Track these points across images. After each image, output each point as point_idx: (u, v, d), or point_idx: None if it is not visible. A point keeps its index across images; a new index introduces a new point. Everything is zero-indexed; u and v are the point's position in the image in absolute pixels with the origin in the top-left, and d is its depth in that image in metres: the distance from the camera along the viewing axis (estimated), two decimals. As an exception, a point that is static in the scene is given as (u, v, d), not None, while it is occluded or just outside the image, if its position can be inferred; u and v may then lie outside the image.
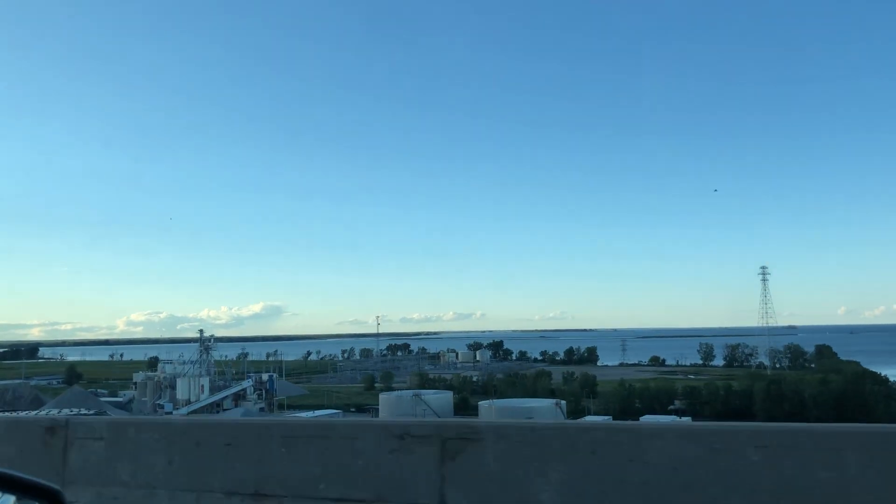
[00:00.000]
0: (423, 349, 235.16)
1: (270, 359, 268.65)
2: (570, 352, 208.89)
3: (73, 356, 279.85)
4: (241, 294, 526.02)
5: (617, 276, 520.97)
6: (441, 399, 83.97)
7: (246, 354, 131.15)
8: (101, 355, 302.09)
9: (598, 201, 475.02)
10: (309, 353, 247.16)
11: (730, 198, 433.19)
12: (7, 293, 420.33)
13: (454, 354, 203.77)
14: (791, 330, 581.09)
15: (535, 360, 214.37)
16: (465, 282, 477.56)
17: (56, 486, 2.24)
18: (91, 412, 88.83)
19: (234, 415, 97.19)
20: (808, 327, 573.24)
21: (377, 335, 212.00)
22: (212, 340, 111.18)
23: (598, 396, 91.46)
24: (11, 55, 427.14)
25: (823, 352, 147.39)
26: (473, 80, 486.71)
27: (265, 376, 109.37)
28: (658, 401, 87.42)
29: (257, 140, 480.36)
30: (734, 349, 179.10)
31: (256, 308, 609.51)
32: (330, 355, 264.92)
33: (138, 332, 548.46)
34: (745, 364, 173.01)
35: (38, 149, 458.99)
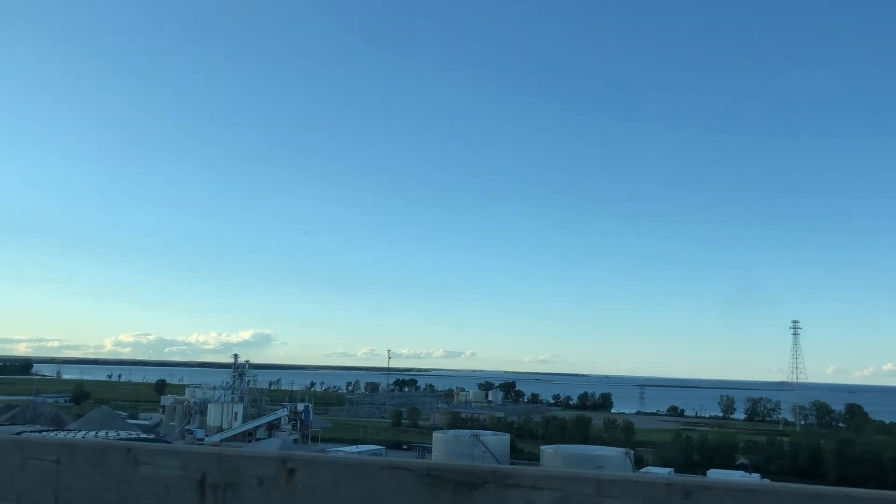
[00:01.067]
0: (432, 386, 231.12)
1: (273, 387, 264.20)
2: (584, 397, 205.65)
3: (69, 374, 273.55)
4: (232, 320, 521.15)
5: (607, 324, 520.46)
6: (500, 441, 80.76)
7: (277, 381, 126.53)
8: (96, 374, 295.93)
9: (591, 250, 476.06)
10: (313, 384, 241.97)
11: (722, 249, 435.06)
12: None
13: (467, 393, 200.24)
14: (785, 386, 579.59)
15: (548, 403, 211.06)
16: (456, 320, 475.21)
17: None
18: (120, 435, 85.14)
19: (270, 445, 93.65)
20: (800, 384, 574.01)
21: (387, 369, 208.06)
22: (246, 366, 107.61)
23: (656, 446, 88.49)
24: (7, 75, 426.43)
25: (855, 410, 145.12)
26: (469, 125, 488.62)
27: (300, 406, 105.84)
28: (718, 454, 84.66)
29: (253, 168, 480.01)
30: (756, 403, 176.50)
31: (246, 335, 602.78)
32: (334, 387, 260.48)
33: (126, 353, 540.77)
34: (766, 419, 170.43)
35: (31, 164, 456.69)
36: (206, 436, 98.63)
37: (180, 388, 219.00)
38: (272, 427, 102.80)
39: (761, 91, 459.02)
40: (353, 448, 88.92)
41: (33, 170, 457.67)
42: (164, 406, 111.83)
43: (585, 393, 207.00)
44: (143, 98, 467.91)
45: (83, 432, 79.44)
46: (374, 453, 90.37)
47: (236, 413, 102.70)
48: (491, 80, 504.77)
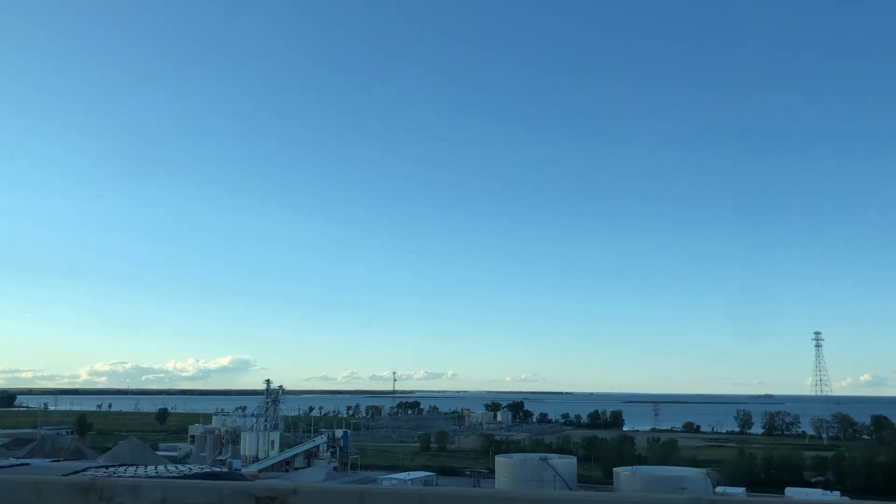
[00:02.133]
0: (436, 408, 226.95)
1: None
2: (594, 415, 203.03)
3: (52, 406, 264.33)
4: (209, 346, 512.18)
5: (585, 342, 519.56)
6: (567, 464, 77.60)
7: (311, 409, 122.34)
8: (82, 405, 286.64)
9: (568, 268, 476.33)
10: (312, 409, 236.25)
11: (708, 262, 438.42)
12: None
13: (477, 415, 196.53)
14: (769, 399, 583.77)
15: (559, 422, 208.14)
16: (436, 341, 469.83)
17: None
18: (151, 468, 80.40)
19: (310, 475, 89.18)
20: (784, 396, 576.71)
21: (393, 392, 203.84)
22: (280, 392, 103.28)
23: (720, 465, 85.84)
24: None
25: (882, 422, 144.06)
26: (452, 139, 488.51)
27: (339, 432, 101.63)
28: (785, 472, 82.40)
29: (229, 191, 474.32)
30: (773, 417, 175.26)
31: (224, 361, 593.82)
32: (334, 411, 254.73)
33: (102, 382, 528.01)
34: (785, 433, 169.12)
35: (6, 192, 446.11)
36: (243, 466, 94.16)
37: (183, 417, 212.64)
38: (310, 455, 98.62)
39: (778, 88, 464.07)
40: (403, 475, 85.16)
41: (10, 199, 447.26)
42: (192, 436, 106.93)
43: (596, 411, 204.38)
44: (109, 123, 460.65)
45: (143, 467, 74.63)
46: (426, 481, 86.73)
47: (273, 441, 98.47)
48: (470, 90, 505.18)
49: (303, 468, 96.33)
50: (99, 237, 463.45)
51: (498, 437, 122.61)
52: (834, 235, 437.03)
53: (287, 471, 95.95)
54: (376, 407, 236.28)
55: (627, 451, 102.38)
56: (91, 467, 73.17)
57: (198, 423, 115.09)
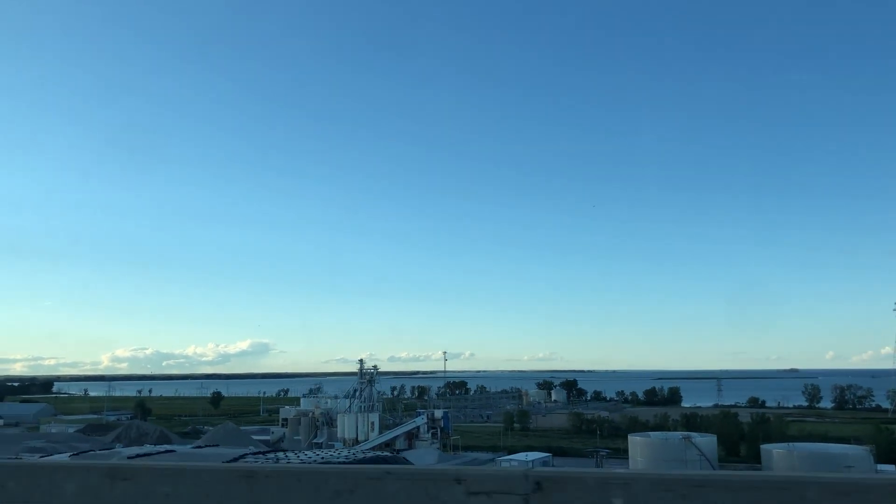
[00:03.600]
0: (483, 387, 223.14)
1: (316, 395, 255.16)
2: (651, 392, 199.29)
3: (95, 391, 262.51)
4: (229, 331, 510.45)
5: (601, 320, 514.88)
6: (707, 442, 73.51)
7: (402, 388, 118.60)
8: (118, 391, 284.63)
9: (583, 247, 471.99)
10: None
11: (716, 244, 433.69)
12: None
13: (533, 394, 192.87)
14: (794, 373, 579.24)
15: (613, 400, 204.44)
16: (453, 321, 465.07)
17: None
18: (249, 450, 76.56)
19: (420, 457, 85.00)
20: (809, 371, 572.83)
21: (443, 372, 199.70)
22: (375, 372, 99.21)
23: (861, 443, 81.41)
24: (6, 95, 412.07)
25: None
26: (471, 121, 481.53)
27: (438, 413, 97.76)
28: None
29: (248, 177, 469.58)
30: (844, 391, 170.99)
31: (244, 345, 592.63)
32: (380, 392, 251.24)
33: (123, 368, 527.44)
34: (857, 406, 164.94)
35: (21, 182, 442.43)
36: (347, 448, 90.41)
37: (232, 401, 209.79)
38: (412, 436, 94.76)
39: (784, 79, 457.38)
40: (522, 456, 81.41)
41: (23, 187, 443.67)
42: (284, 419, 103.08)
43: (654, 388, 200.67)
44: (130, 109, 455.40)
45: (295, 452, 70.61)
46: (544, 462, 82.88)
47: (373, 423, 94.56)
48: (483, 81, 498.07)
49: (405, 450, 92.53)
50: (116, 224, 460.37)
51: (588, 416, 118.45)
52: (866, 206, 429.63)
53: (395, 453, 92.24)
54: (422, 387, 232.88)
55: (731, 427, 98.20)
56: (246, 454, 69.17)
57: (289, 405, 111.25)
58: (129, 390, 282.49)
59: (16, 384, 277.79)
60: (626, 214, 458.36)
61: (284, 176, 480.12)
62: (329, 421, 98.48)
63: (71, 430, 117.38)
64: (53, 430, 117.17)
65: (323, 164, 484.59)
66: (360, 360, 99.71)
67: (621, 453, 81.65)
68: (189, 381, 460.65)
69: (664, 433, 77.68)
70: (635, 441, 75.18)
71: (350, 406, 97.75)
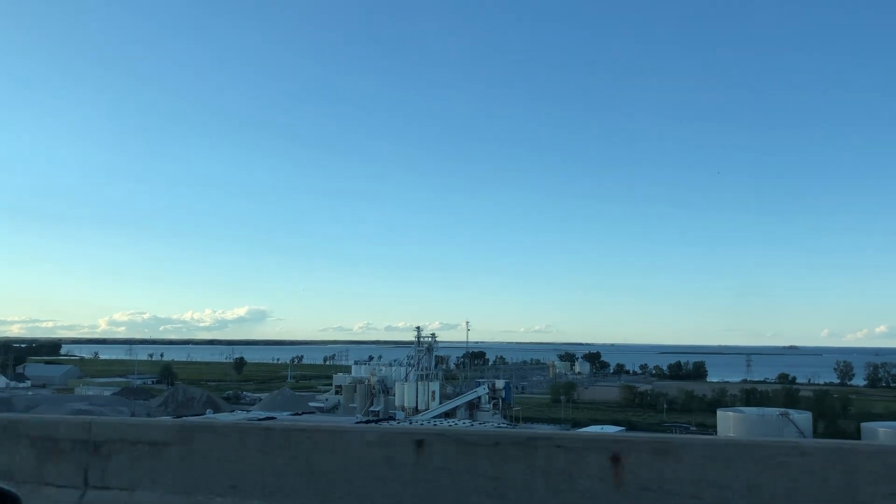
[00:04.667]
0: (502, 358, 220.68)
1: (329, 362, 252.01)
2: (676, 366, 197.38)
3: (108, 354, 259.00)
4: (226, 297, 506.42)
5: (597, 293, 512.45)
6: (803, 419, 70.86)
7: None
8: (123, 354, 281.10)
9: (579, 218, 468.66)
10: (371, 358, 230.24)
11: (722, 211, 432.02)
12: None
13: (565, 365, 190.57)
14: (794, 350, 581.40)
15: (635, 373, 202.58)
16: (448, 292, 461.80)
17: (14, 491, 2.23)
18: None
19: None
20: (810, 347, 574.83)
21: (466, 343, 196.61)
22: (434, 340, 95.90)
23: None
24: (11, 55, 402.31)
25: None
26: (469, 92, 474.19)
27: (500, 383, 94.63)
28: None
29: (247, 142, 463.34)
30: (876, 368, 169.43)
31: (241, 311, 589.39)
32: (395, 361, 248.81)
33: (121, 332, 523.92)
34: (892, 385, 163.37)
35: (20, 144, 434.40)
36: (406, 417, 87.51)
37: (252, 367, 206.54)
38: (473, 406, 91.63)
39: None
40: (596, 429, 78.76)
41: (22, 149, 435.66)
42: (338, 386, 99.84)
43: (678, 362, 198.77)
44: (142, 81, 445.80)
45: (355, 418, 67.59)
46: (620, 432, 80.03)
47: (433, 392, 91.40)
48: (488, 55, 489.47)
49: (466, 420, 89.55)
50: (116, 187, 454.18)
51: (641, 390, 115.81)
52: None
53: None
54: (441, 357, 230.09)
55: (824, 405, 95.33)
56: (370, 420, 65.76)
57: (341, 372, 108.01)
58: (123, 354, 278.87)
59: (22, 345, 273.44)
60: (624, 190, 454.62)
61: (286, 143, 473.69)
62: (385, 389, 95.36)
63: (107, 394, 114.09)
64: (89, 393, 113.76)
65: (321, 131, 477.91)
66: (417, 328, 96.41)
67: (705, 429, 78.96)
68: (189, 346, 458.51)
69: (759, 409, 74.66)
70: (727, 416, 72.49)
71: (407, 374, 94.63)
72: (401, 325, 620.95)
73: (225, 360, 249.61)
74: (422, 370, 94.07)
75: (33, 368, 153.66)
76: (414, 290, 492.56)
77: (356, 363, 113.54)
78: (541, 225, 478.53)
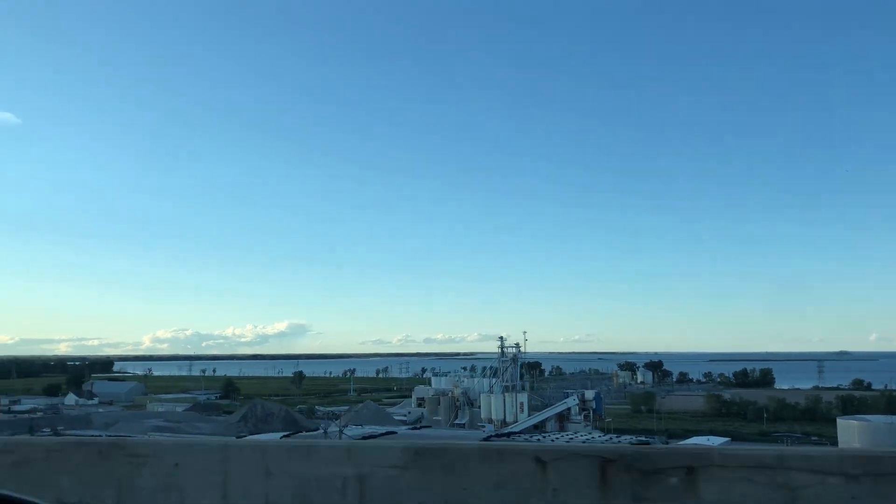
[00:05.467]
0: (559, 368, 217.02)
1: (382, 375, 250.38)
2: (742, 373, 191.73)
3: (159, 371, 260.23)
4: (266, 312, 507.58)
5: (635, 299, 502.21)
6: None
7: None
8: (171, 370, 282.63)
9: (618, 224, 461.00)
10: (424, 370, 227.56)
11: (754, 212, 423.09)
12: (36, 308, 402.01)
13: (627, 375, 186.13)
14: (845, 355, 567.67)
15: (699, 381, 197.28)
16: (487, 303, 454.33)
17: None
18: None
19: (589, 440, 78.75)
20: (860, 353, 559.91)
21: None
22: (518, 349, 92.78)
23: None
24: (67, 67, 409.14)
25: None
26: (506, 106, 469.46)
27: (589, 394, 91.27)
28: None
29: (287, 157, 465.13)
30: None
31: (281, 326, 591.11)
32: (451, 372, 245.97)
33: (164, 349, 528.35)
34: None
35: (69, 162, 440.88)
36: (495, 430, 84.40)
37: (314, 381, 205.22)
38: (563, 418, 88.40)
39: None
40: (703, 440, 74.89)
41: (70, 167, 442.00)
42: (420, 398, 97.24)
43: (745, 369, 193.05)
44: (190, 98, 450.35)
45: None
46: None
47: (521, 403, 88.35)
48: (535, 71, 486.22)
49: (556, 432, 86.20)
50: (155, 204, 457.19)
51: (727, 398, 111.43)
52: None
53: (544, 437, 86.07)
54: (493, 368, 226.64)
55: None
56: (490, 436, 62.84)
57: (423, 385, 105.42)
58: (174, 370, 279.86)
59: (76, 363, 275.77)
60: (653, 197, 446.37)
61: (324, 157, 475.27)
62: (469, 401, 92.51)
63: (179, 410, 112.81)
64: (161, 409, 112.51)
65: (361, 145, 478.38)
66: (501, 338, 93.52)
67: (821, 439, 74.70)
68: (233, 361, 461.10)
69: (886, 417, 70.30)
70: (850, 425, 68.28)
71: (493, 386, 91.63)
72: (439, 336, 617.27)
73: (278, 375, 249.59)
74: (507, 381, 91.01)
75: (99, 385, 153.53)
76: (449, 301, 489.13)
77: (435, 375, 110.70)
78: (577, 233, 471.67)
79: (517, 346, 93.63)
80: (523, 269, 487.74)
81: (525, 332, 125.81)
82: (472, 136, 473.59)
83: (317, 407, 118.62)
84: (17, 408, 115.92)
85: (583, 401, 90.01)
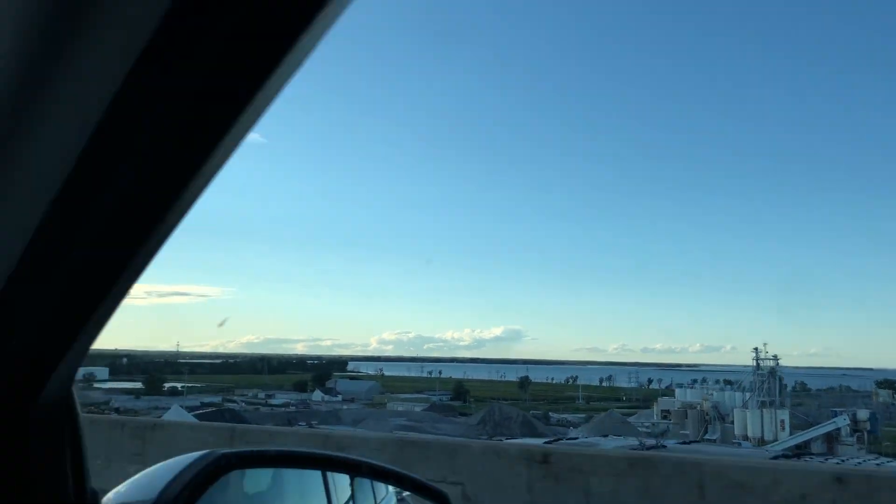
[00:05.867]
0: (803, 384, 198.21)
1: (605, 383, 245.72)
2: None
3: (389, 371, 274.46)
4: (483, 317, 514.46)
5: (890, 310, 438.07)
6: None
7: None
8: (397, 370, 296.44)
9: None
10: (651, 381, 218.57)
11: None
12: (278, 310, 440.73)
13: (887, 393, 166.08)
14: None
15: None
16: (712, 312, 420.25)
17: (443, 491, 2.32)
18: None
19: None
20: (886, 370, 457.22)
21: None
22: (776, 361, 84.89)
23: None
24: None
25: None
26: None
27: (862, 413, 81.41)
28: None
29: (498, 162, 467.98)
30: None
31: (498, 331, 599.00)
32: (672, 382, 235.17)
33: (389, 350, 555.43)
34: None
35: (305, 175, 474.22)
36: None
37: (537, 386, 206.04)
38: (832, 439, 79.34)
39: None
40: None
41: (316, 179, 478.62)
42: (665, 410, 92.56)
43: None
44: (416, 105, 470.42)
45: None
46: None
47: (782, 421, 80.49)
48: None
49: (823, 454, 77.30)
50: (382, 217, 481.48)
51: None
52: None
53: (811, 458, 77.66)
54: (728, 380, 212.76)
55: None
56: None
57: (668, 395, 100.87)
58: (402, 370, 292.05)
59: (316, 361, 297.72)
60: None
61: (548, 166, 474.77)
62: (720, 416, 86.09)
63: (417, 409, 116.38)
64: (400, 409, 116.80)
65: (579, 149, 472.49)
66: (755, 349, 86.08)
67: None
68: (454, 364, 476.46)
69: None
70: None
71: (746, 401, 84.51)
72: (658, 346, 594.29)
73: (500, 379, 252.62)
74: (763, 396, 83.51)
75: (340, 384, 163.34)
76: (673, 310, 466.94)
77: (679, 386, 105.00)
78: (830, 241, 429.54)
79: (775, 357, 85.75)
80: (756, 279, 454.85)
81: (766, 344, 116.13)
82: (721, 145, 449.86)
83: (550, 414, 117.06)
84: (272, 402, 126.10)
85: (854, 421, 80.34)
